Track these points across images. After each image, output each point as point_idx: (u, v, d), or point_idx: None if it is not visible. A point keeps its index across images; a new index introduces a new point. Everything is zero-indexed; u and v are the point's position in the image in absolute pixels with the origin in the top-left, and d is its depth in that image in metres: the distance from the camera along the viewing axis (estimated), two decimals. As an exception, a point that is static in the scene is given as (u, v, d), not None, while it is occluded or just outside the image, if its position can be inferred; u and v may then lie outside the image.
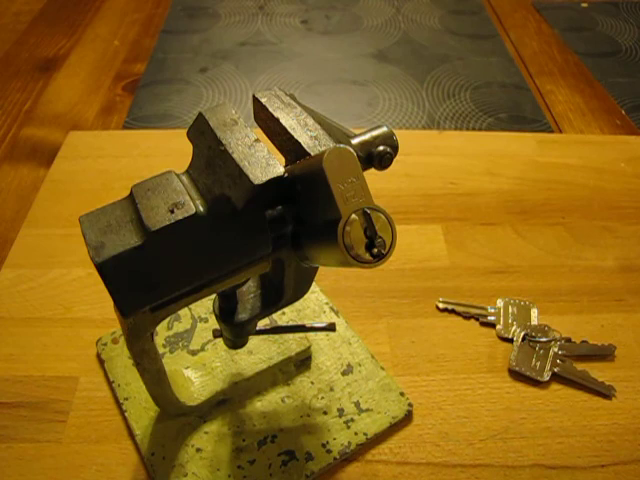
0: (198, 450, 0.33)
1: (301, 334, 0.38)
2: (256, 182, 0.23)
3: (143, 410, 0.35)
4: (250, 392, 0.36)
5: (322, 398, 0.36)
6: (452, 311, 0.42)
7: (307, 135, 0.24)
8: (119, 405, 0.35)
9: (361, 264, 0.20)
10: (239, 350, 0.36)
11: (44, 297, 0.41)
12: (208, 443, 0.33)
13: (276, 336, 0.37)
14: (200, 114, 0.25)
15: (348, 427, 0.34)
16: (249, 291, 0.31)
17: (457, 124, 0.63)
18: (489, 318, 0.41)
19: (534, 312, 0.42)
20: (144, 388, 0.30)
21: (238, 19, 0.81)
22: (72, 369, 0.37)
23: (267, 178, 0.23)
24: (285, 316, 0.40)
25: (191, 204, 0.23)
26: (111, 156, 0.53)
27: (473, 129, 0.62)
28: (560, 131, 0.62)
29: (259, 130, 0.27)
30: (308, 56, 0.74)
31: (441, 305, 0.42)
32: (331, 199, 0.20)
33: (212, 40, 0.76)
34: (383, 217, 0.21)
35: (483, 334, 0.41)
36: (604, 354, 0.40)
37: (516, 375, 0.38)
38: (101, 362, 0.37)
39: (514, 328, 0.41)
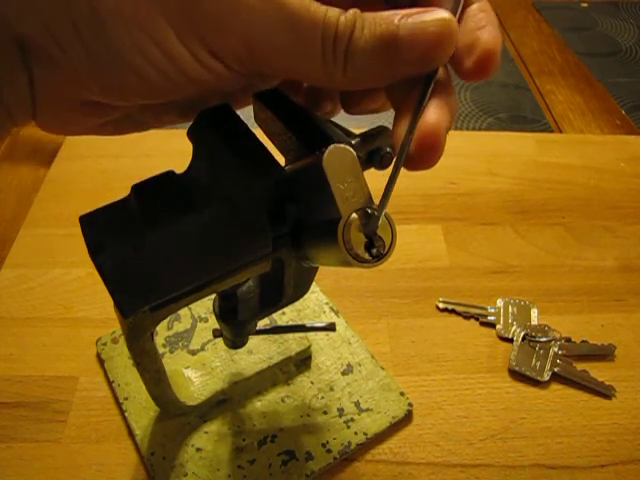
0: (198, 450, 0.33)
1: (301, 334, 0.38)
2: (256, 182, 0.23)
3: (143, 410, 0.35)
4: (250, 392, 0.36)
5: (322, 398, 0.36)
6: (452, 311, 0.42)
7: (307, 135, 0.24)
8: (119, 405, 0.35)
9: (361, 264, 0.20)
10: (239, 350, 0.36)
11: (44, 297, 0.41)
12: (208, 443, 0.33)
13: (276, 336, 0.37)
14: (200, 114, 0.25)
15: (348, 427, 0.34)
16: (249, 291, 0.31)
17: (457, 124, 0.63)
18: (489, 318, 0.41)
19: (534, 312, 0.42)
20: (144, 388, 0.30)
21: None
22: (72, 369, 0.37)
23: (267, 178, 0.23)
24: (285, 316, 0.40)
25: (191, 204, 0.23)
26: (111, 156, 0.53)
27: (473, 129, 0.62)
28: (560, 131, 0.62)
29: (259, 130, 0.27)
30: (308, 56, 0.74)
31: (441, 305, 0.42)
32: (331, 199, 0.20)
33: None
34: (383, 217, 0.21)
35: (483, 334, 0.41)
36: (604, 354, 0.40)
37: (516, 375, 0.38)
38: (101, 362, 0.37)
39: (514, 328, 0.41)
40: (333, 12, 0.19)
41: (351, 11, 0.19)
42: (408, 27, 0.19)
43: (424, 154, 0.19)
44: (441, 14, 0.19)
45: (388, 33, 0.19)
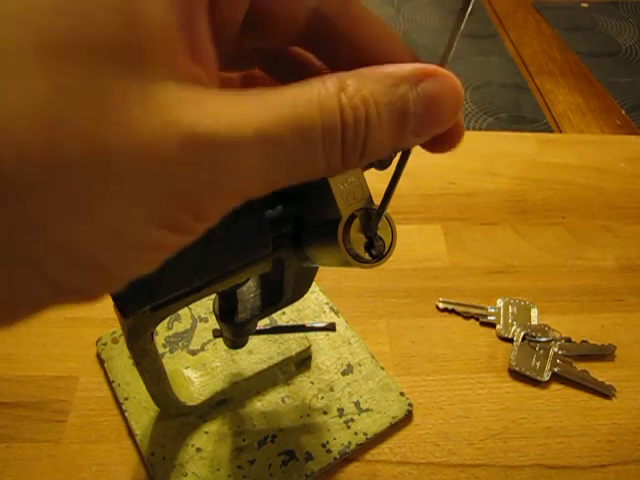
0: (198, 450, 0.33)
1: (301, 334, 0.38)
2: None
3: (143, 410, 0.35)
4: (250, 392, 0.36)
5: (322, 398, 0.36)
6: (452, 311, 0.42)
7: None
8: (119, 405, 0.35)
9: (361, 264, 0.20)
10: (239, 350, 0.36)
11: (44, 297, 0.41)
12: (208, 443, 0.33)
13: (276, 336, 0.37)
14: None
15: (348, 427, 0.34)
16: (249, 291, 0.31)
17: (457, 124, 0.63)
18: (489, 318, 0.41)
19: (534, 312, 0.42)
20: (144, 388, 0.30)
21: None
22: (72, 369, 0.37)
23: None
24: (285, 316, 0.40)
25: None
26: (111, 156, 0.53)
27: (473, 129, 0.62)
28: (560, 131, 0.62)
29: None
30: (308, 56, 0.74)
31: (441, 305, 0.42)
32: (331, 199, 0.20)
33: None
34: (383, 217, 0.21)
35: (483, 334, 0.41)
36: (604, 354, 0.40)
37: (516, 375, 0.38)
38: (101, 362, 0.37)
39: (514, 328, 0.41)
40: (327, 92, 0.15)
41: (350, 89, 0.15)
42: (422, 100, 0.16)
43: (451, 134, 0.18)
44: (454, 80, 0.16)
45: (403, 110, 0.16)
